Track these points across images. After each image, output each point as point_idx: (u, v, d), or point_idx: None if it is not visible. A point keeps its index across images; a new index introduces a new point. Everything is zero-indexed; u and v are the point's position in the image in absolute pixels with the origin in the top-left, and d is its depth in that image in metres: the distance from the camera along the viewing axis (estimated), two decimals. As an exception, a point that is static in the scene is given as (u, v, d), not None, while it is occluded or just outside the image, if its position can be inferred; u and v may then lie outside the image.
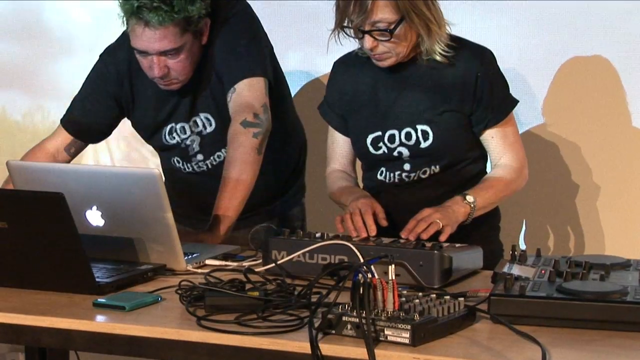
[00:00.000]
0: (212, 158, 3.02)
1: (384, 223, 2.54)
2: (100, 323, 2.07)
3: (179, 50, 2.78)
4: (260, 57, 2.90)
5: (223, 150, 2.96)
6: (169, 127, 3.03)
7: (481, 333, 1.96)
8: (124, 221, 2.44)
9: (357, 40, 2.64)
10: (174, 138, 3.03)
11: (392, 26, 2.57)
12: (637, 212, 3.35)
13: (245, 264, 2.49)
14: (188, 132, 3.00)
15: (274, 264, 2.39)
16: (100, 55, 3.06)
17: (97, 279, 2.26)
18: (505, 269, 2.19)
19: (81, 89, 3.08)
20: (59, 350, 2.86)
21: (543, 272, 2.18)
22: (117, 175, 2.46)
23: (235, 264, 2.51)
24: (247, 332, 1.96)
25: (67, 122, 3.07)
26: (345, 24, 2.60)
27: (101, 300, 2.16)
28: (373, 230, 2.50)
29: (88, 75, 3.08)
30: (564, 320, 1.98)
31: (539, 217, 3.45)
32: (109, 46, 3.07)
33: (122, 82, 3.01)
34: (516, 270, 2.19)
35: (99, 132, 3.11)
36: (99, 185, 2.44)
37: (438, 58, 2.63)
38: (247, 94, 2.84)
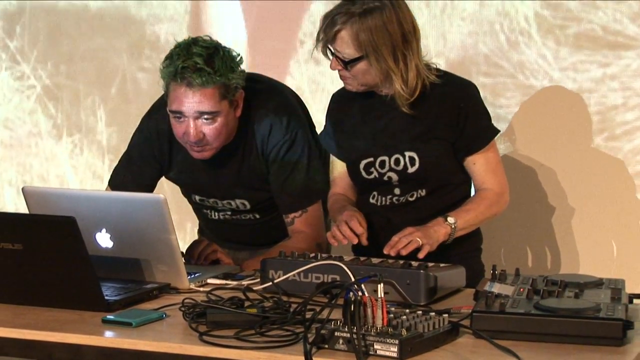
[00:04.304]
0: (239, 215, 3.05)
1: (360, 230, 2.62)
2: (109, 338, 2.13)
3: (215, 115, 2.72)
4: (317, 184, 2.91)
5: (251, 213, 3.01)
6: (198, 197, 3.03)
7: (464, 347, 2.02)
8: (131, 243, 2.49)
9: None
10: (204, 204, 3.04)
11: (348, 60, 2.65)
12: (609, 233, 3.38)
13: (245, 282, 2.54)
14: (220, 205, 3.01)
15: (271, 283, 2.44)
16: (143, 120, 3.02)
17: (106, 297, 2.32)
18: (487, 287, 2.23)
19: (126, 153, 3.03)
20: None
21: (522, 290, 2.22)
22: (125, 201, 2.52)
23: (235, 282, 2.56)
24: (246, 347, 2.01)
25: (114, 187, 3.00)
26: (319, 40, 2.68)
27: (110, 317, 2.22)
28: (361, 232, 2.61)
29: (131, 142, 3.02)
30: (541, 335, 2.03)
31: (518, 237, 3.47)
32: (149, 114, 3.01)
33: (162, 146, 2.95)
34: (496, 288, 2.23)
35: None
36: (108, 209, 2.50)
37: (404, 109, 2.69)
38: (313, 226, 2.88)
